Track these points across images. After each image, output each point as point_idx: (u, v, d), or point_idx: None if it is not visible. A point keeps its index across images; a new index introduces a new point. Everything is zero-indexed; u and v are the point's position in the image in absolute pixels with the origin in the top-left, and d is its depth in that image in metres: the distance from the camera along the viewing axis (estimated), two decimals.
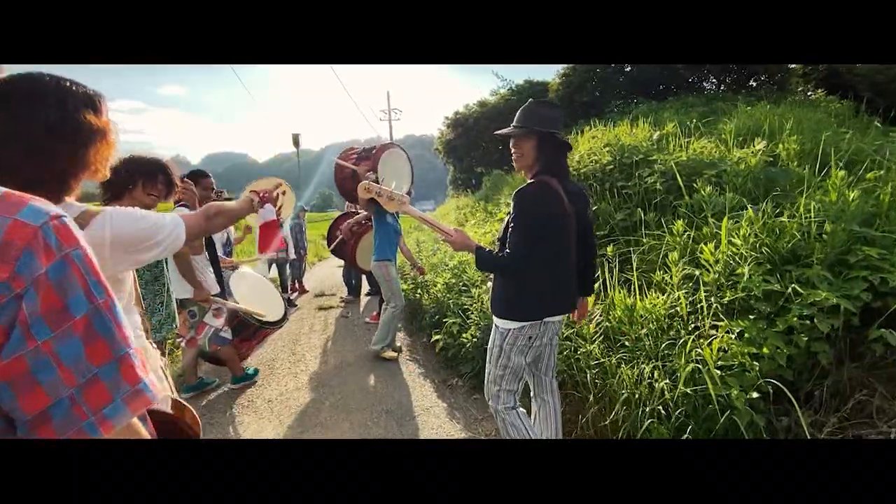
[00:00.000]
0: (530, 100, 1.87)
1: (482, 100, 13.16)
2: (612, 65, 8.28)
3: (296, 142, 22.07)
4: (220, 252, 3.55)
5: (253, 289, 3.50)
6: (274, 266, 6.51)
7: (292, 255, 6.52)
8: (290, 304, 6.45)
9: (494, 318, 1.91)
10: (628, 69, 8.26)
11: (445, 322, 3.91)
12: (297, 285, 7.33)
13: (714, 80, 8.44)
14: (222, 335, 3.09)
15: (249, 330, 3.29)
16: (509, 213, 1.78)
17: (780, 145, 3.42)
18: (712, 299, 2.19)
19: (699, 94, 7.76)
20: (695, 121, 4.25)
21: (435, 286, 4.61)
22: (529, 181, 1.79)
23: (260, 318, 3.21)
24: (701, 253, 2.38)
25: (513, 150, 1.85)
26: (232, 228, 4.38)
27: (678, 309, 2.41)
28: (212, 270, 3.15)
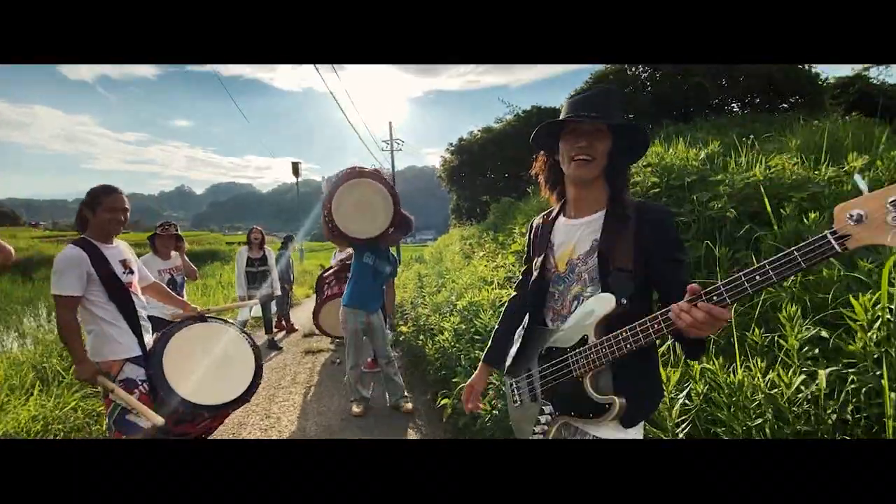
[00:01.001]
0: (604, 86, 1.22)
1: (487, 126, 12.72)
2: (630, 87, 7.80)
3: (295, 170, 21.61)
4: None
5: (204, 352, 2.38)
6: (257, 307, 5.66)
7: (277, 291, 5.69)
8: (273, 346, 5.64)
9: (619, 431, 1.09)
10: (648, 88, 7.76)
11: (455, 381, 3.11)
12: (283, 323, 6.53)
13: (737, 102, 7.92)
14: (129, 419, 1.99)
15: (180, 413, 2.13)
16: (663, 245, 1.09)
17: (879, 161, 2.72)
18: (872, 381, 1.41)
19: (729, 114, 7.18)
20: (752, 137, 3.56)
21: (441, 333, 3.82)
22: (645, 200, 1.16)
23: (192, 403, 2.14)
24: (839, 305, 1.62)
25: (577, 150, 1.14)
26: (180, 262, 3.60)
27: (806, 388, 1.64)
28: (126, 324, 2.10)
